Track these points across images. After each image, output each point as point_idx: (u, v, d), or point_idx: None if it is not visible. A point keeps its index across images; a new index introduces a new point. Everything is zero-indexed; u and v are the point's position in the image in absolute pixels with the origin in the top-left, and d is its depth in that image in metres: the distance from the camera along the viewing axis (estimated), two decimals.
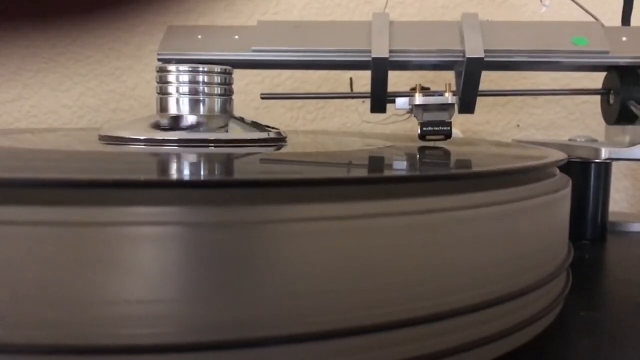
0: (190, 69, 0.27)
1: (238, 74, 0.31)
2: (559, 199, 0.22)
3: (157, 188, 0.15)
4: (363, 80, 0.38)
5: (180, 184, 0.16)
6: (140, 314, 0.14)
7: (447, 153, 0.28)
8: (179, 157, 0.23)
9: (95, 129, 0.29)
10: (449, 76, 0.37)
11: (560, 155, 0.24)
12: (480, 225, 0.18)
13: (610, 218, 0.39)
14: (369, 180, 0.18)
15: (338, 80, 0.53)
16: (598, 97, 0.41)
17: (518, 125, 0.55)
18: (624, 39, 0.36)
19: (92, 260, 0.14)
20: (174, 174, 0.20)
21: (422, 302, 0.17)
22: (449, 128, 0.30)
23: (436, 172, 0.21)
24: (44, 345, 0.14)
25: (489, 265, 0.18)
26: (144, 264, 0.14)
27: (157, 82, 0.28)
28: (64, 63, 0.54)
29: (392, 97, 0.34)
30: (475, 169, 0.22)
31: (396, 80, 0.44)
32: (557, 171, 0.25)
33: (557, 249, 0.22)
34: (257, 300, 0.15)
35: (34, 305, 0.14)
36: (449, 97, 0.30)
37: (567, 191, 0.23)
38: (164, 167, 0.21)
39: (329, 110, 0.55)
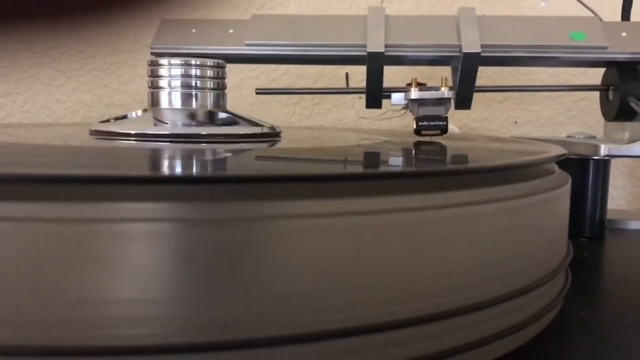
0: (182, 62, 0.27)
1: (234, 70, 0.31)
2: (559, 196, 0.22)
3: (148, 184, 0.15)
4: (359, 76, 0.38)
5: (172, 179, 0.16)
6: (131, 314, 0.14)
7: (443, 148, 0.27)
8: (170, 153, 0.23)
9: (88, 124, 0.29)
10: (446, 72, 0.37)
11: (559, 150, 0.24)
12: (477, 223, 0.17)
13: (609, 216, 0.39)
14: (364, 177, 0.18)
15: (335, 76, 0.53)
16: (596, 95, 0.41)
17: (515, 122, 0.54)
18: (623, 34, 0.35)
19: (82, 258, 0.14)
20: (165, 169, 0.19)
21: (419, 302, 0.16)
22: (445, 123, 0.29)
23: (432, 168, 0.21)
24: (31, 347, 0.14)
25: (487, 264, 0.18)
26: (135, 262, 0.14)
27: (149, 76, 0.27)
28: (57, 57, 0.53)
29: (387, 93, 0.34)
30: (472, 164, 0.22)
31: (393, 77, 0.44)
32: (556, 168, 0.24)
33: (557, 248, 0.22)
34: (252, 300, 0.14)
35: (21, 304, 0.14)
36: (445, 92, 0.30)
37: (567, 188, 0.23)
38: (155, 163, 0.21)
39: (325, 107, 0.54)
